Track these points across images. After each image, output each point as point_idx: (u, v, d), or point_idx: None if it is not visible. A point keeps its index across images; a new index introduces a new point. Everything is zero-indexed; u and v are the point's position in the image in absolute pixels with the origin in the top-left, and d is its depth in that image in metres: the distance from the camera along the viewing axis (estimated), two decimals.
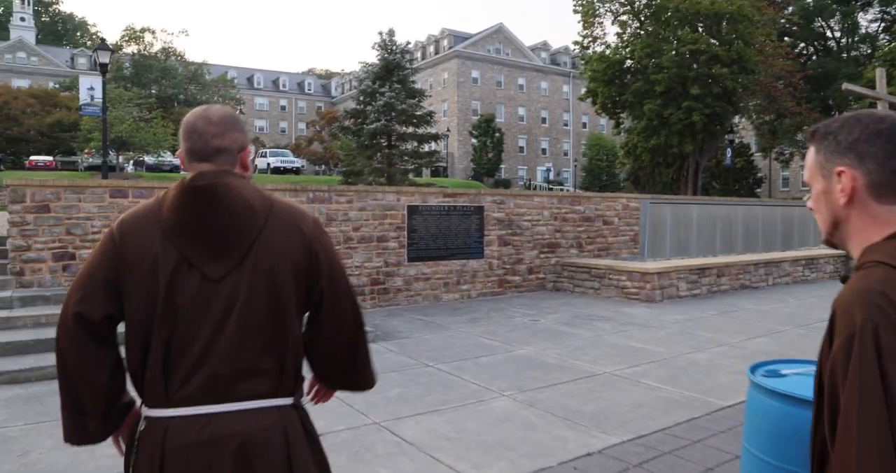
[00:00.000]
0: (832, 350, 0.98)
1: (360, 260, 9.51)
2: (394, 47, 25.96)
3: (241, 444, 1.45)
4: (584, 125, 67.91)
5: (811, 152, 1.18)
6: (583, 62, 31.72)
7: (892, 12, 40.54)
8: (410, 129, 25.99)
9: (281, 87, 78.10)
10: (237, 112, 43.82)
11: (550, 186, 51.57)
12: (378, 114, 24.63)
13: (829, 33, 41.65)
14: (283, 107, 77.28)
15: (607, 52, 29.75)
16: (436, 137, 26.92)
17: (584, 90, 33.03)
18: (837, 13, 39.88)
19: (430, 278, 10.20)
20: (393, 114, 24.93)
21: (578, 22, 30.58)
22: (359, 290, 9.51)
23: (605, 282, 10.79)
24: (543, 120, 65.24)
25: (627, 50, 29.11)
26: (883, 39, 40.60)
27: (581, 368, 6.05)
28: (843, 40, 41.72)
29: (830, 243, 1.21)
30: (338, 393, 5.39)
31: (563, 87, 66.38)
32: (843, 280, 1.10)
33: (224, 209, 1.52)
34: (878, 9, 41.32)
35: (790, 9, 36.08)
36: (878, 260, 1.02)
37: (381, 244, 9.72)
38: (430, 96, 48.94)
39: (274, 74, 79.49)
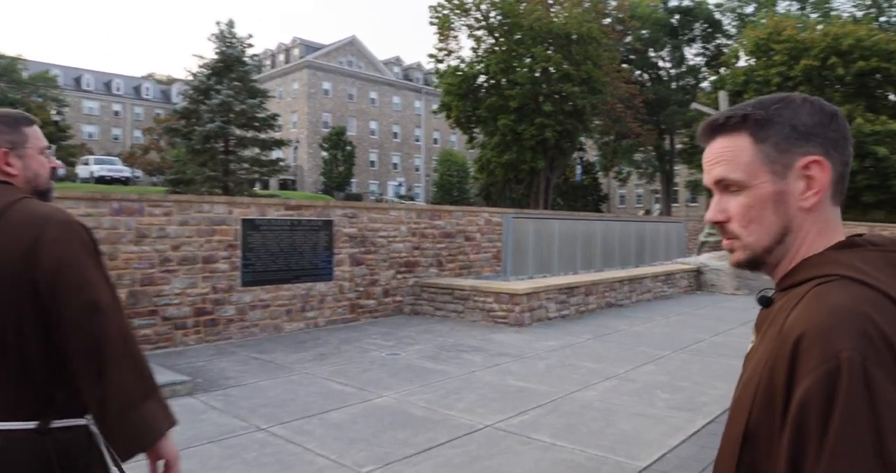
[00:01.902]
0: (797, 385, 0.75)
1: (182, 286, 7.72)
2: (233, 40, 23.11)
3: None
4: (436, 141, 68.28)
5: (743, 144, 0.88)
6: (437, 76, 31.28)
7: (711, 49, 44.95)
8: (251, 134, 23.32)
9: (114, 91, 70.85)
10: (59, 113, 38.91)
11: (402, 201, 50.83)
12: (213, 115, 21.73)
13: (661, 63, 45.13)
14: (116, 113, 70.15)
15: (462, 65, 29.48)
16: (280, 143, 24.49)
17: (436, 105, 32.57)
18: (668, 45, 43.30)
19: (270, 305, 8.60)
20: (231, 115, 22.06)
21: (434, 33, 30.14)
22: (180, 323, 7.71)
23: (469, 305, 9.78)
24: (395, 134, 64.70)
25: (482, 65, 29.00)
26: (704, 72, 44.77)
27: (457, 421, 4.85)
28: (673, 71, 45.46)
29: (756, 263, 0.91)
30: None
31: (416, 103, 66.36)
32: (764, 301, 0.90)
33: None
34: (700, 44, 45.70)
35: (629, 37, 38.36)
36: (839, 273, 0.79)
37: (209, 266, 7.99)
38: (275, 98, 46.44)
39: (106, 76, 71.93)
